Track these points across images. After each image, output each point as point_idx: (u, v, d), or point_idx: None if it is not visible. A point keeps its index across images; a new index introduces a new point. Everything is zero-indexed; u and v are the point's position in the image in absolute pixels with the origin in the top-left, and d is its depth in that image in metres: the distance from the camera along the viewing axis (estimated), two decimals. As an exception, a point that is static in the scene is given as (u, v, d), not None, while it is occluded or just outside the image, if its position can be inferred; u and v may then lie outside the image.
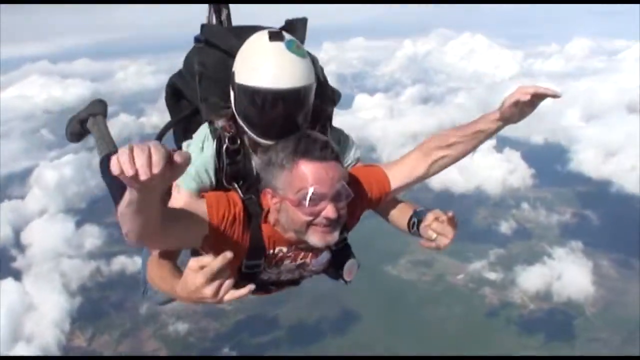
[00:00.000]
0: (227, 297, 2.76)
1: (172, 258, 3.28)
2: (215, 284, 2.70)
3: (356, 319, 52.95)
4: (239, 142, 3.52)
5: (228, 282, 2.73)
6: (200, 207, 3.19)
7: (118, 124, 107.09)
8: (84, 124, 5.46)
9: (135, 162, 2.03)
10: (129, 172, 2.03)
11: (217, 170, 3.53)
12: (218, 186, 3.53)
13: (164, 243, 3.11)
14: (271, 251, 3.38)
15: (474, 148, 3.54)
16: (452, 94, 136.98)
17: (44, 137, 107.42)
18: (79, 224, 70.73)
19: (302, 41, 3.64)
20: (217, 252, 2.74)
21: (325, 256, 3.58)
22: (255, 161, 3.53)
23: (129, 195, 2.36)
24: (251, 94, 3.29)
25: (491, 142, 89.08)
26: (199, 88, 3.70)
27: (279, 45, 3.28)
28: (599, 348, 49.75)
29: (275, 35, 3.32)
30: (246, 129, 3.43)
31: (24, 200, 77.14)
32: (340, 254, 3.60)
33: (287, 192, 3.08)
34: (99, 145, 5.30)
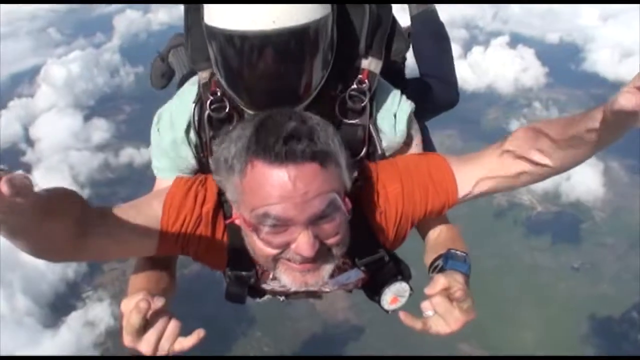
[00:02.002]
0: (174, 348, 2.02)
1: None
2: (151, 337, 1.97)
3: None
4: (227, 106, 2.45)
5: (170, 329, 2.01)
6: (153, 208, 2.35)
7: (124, 21, 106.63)
8: (165, 60, 3.88)
9: None
10: None
11: (199, 147, 2.60)
12: (204, 168, 2.62)
13: (91, 257, 2.37)
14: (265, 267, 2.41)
15: (576, 160, 2.17)
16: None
17: (50, 36, 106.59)
18: (87, 118, 71.11)
19: None
20: (185, 253, 2.44)
21: (352, 275, 2.61)
22: None
23: None
24: (218, 41, 2.22)
25: (504, 39, 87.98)
26: (187, 20, 2.58)
27: None
28: (605, 253, 50.14)
29: None
30: (226, 88, 2.40)
31: (33, 98, 77.11)
32: (379, 274, 2.54)
33: (241, 208, 2.06)
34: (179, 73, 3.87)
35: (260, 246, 2.07)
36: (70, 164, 62.74)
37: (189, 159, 2.63)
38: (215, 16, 2.18)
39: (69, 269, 49.30)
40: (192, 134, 2.57)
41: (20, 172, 1.67)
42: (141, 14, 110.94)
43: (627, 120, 1.77)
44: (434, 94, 3.56)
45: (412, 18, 3.74)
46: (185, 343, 2.02)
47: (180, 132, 2.57)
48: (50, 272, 48.36)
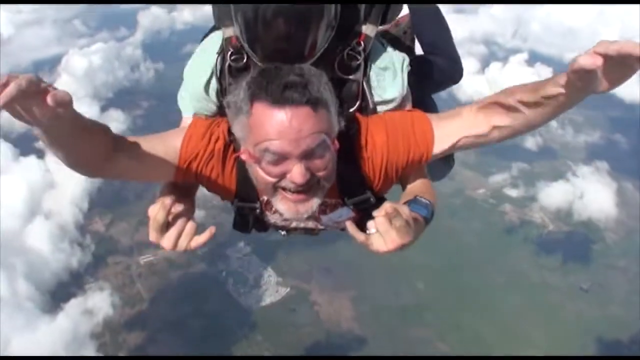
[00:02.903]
0: (191, 245, 2.40)
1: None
2: (172, 234, 2.38)
3: (370, 226, 52.86)
4: (245, 58, 2.77)
5: (188, 229, 2.40)
6: (173, 140, 2.68)
7: (149, 17, 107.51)
8: None
9: None
10: None
11: (220, 92, 2.90)
12: (223, 111, 2.80)
13: (117, 175, 2.67)
14: (266, 197, 2.74)
15: (544, 118, 2.42)
16: (487, 5, 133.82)
17: (75, 27, 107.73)
18: (104, 109, 71.61)
19: None
20: (197, 184, 2.82)
21: (343, 214, 2.91)
22: None
23: (33, 129, 2.14)
24: (241, 5, 2.58)
25: (523, 56, 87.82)
26: None
27: None
28: (615, 275, 49.99)
29: None
30: (243, 44, 2.71)
31: (52, 86, 78.15)
32: (368, 212, 2.55)
33: (247, 143, 2.40)
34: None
35: (261, 175, 2.40)
36: (84, 152, 62.99)
37: (210, 103, 2.94)
38: None
39: (74, 258, 49.53)
40: (214, 81, 2.89)
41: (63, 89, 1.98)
42: (166, 11, 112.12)
43: (585, 81, 2.03)
44: (438, 69, 3.71)
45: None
46: (199, 240, 2.40)
47: (204, 77, 2.90)
48: (54, 260, 48.56)
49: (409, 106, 3.01)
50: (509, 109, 2.45)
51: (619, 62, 1.91)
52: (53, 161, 59.94)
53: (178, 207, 2.40)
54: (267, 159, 2.32)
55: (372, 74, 2.89)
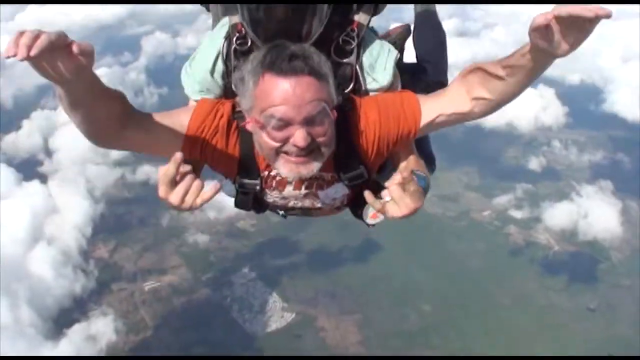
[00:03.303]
0: (196, 201, 2.61)
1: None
2: (180, 190, 2.58)
3: (378, 249, 53.00)
4: (250, 42, 3.08)
5: (194, 186, 2.60)
6: (181, 117, 2.94)
7: (153, 41, 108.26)
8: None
9: (19, 42, 1.99)
10: (10, 51, 1.99)
11: (225, 74, 3.22)
12: (228, 92, 3.22)
13: (127, 146, 2.98)
14: (267, 172, 3.05)
15: (518, 88, 2.66)
16: (489, 29, 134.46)
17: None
18: (107, 133, 71.15)
19: None
20: (202, 161, 3.04)
21: (338, 189, 3.16)
22: None
23: (56, 90, 2.36)
24: None
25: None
26: None
27: None
28: (622, 295, 49.54)
29: None
30: (247, 30, 3.04)
31: (56, 111, 78.12)
32: (362, 190, 2.93)
33: (253, 112, 2.67)
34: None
35: (266, 140, 2.64)
36: (86, 176, 63.45)
37: (214, 85, 3.24)
38: None
39: (77, 284, 49.27)
40: (220, 63, 3.19)
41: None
42: (170, 36, 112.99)
43: (544, 40, 2.26)
44: (426, 74, 4.08)
45: (416, 14, 4.55)
46: (205, 195, 2.61)
47: (210, 62, 3.22)
48: (57, 286, 48.25)
49: (399, 88, 3.31)
50: (486, 85, 2.71)
51: (573, 25, 2.18)
52: (56, 186, 60.16)
53: (187, 167, 2.58)
54: (272, 125, 2.57)
55: (365, 58, 3.19)
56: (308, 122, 2.57)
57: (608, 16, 2.10)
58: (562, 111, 79.40)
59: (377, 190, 2.94)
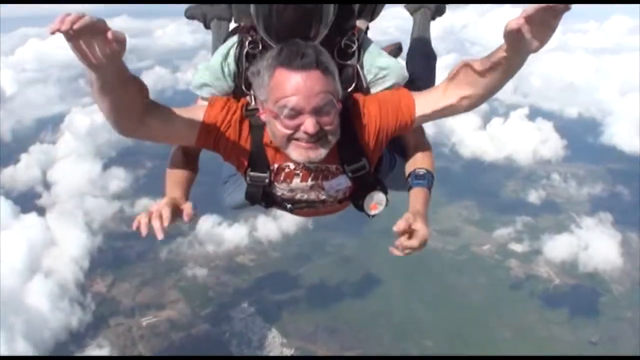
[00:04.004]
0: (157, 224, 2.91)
1: (189, 156, 3.58)
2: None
3: (377, 283, 52.80)
4: (260, 46, 3.40)
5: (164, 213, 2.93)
6: (197, 110, 3.24)
7: (152, 76, 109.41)
8: (207, 20, 5.17)
9: (64, 19, 2.24)
10: (55, 26, 2.23)
11: (237, 75, 3.50)
12: (237, 92, 3.50)
13: (148, 135, 3.15)
14: (276, 165, 3.31)
15: (498, 83, 2.97)
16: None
17: (79, 85, 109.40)
18: (106, 166, 72.35)
19: None
20: (215, 151, 3.28)
21: (342, 181, 3.42)
22: None
23: (88, 76, 2.59)
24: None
25: (523, 111, 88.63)
26: None
27: None
28: (624, 328, 49.20)
29: None
30: (262, 35, 3.30)
31: (55, 145, 78.48)
32: (363, 183, 3.43)
33: (268, 103, 2.95)
34: (214, 49, 4.66)
35: (279, 128, 2.91)
36: (85, 209, 63.41)
37: (223, 82, 3.51)
38: None
39: (73, 318, 48.86)
40: (232, 62, 3.48)
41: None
42: (169, 71, 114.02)
43: (518, 41, 2.55)
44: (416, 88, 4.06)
45: (412, 40, 4.84)
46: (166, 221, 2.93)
47: (221, 57, 3.51)
48: (54, 319, 47.79)
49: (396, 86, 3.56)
50: (472, 80, 2.99)
51: (540, 23, 2.46)
52: (54, 219, 60.10)
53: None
54: (284, 114, 2.85)
55: (365, 59, 3.48)
56: (317, 111, 2.86)
57: (567, 9, 2.39)
58: (561, 144, 79.98)
59: (374, 183, 3.47)
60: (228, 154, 3.31)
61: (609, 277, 56.01)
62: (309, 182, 3.36)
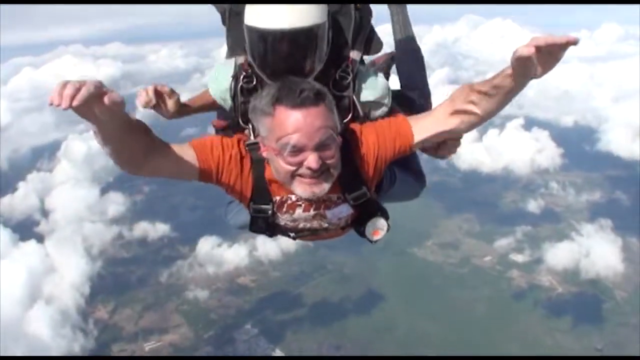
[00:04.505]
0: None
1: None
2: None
3: (380, 299, 52.71)
4: (255, 81, 3.44)
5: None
6: (198, 148, 3.21)
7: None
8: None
9: (63, 93, 2.23)
10: (55, 101, 2.24)
11: (233, 109, 3.58)
12: (235, 126, 3.58)
13: (152, 174, 3.15)
14: (278, 197, 3.34)
15: (499, 105, 3.03)
16: (480, 76, 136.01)
17: (74, 113, 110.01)
18: (103, 192, 72.39)
19: None
20: (218, 185, 3.28)
21: (343, 210, 3.45)
22: None
23: (91, 126, 2.56)
24: (253, 35, 3.22)
25: (519, 121, 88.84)
26: (228, 22, 3.71)
27: None
28: (629, 333, 49.11)
29: None
30: (256, 69, 3.36)
31: (52, 173, 78.63)
32: (364, 210, 3.47)
33: (269, 140, 2.97)
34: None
35: (282, 165, 2.94)
36: (83, 235, 63.33)
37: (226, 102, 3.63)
38: (252, 19, 3.19)
39: (75, 344, 48.66)
40: (228, 99, 3.56)
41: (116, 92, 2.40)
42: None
43: (524, 67, 2.59)
44: (411, 102, 4.35)
45: (396, 42, 4.80)
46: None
47: (220, 92, 3.63)
48: (56, 346, 47.61)
49: (389, 100, 3.71)
50: (472, 102, 3.04)
51: (548, 52, 2.50)
52: (53, 246, 60.04)
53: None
54: (287, 151, 2.87)
55: (359, 89, 3.55)
56: (319, 147, 2.89)
57: (575, 43, 2.44)
58: (558, 153, 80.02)
59: (375, 210, 3.52)
60: (231, 189, 3.33)
61: (611, 283, 56.03)
62: (312, 212, 3.39)
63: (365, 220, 3.52)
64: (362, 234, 3.58)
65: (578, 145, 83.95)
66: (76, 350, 48.21)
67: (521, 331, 49.26)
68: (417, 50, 4.83)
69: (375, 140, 3.28)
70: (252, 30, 3.20)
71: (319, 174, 2.97)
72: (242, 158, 3.24)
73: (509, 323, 49.99)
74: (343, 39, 3.55)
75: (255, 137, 3.26)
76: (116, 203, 69.41)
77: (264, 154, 3.08)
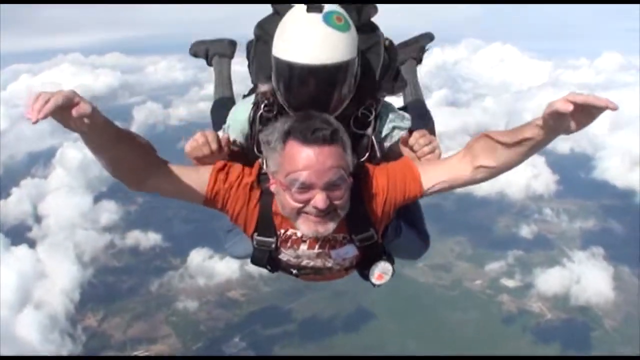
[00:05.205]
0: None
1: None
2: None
3: (370, 318, 52.62)
4: (275, 110, 3.43)
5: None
6: (206, 172, 3.20)
7: (144, 111, 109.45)
8: (209, 56, 5.28)
9: (33, 106, 2.28)
10: (27, 114, 2.27)
11: (249, 136, 3.58)
12: (250, 154, 3.56)
13: (154, 191, 3.17)
14: (282, 231, 3.28)
15: (521, 158, 2.97)
16: (479, 99, 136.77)
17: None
18: (97, 200, 72.32)
19: (371, 12, 3.57)
20: (222, 212, 3.27)
21: (349, 250, 3.39)
22: None
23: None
24: (281, 67, 3.18)
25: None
26: (253, 51, 3.74)
27: (315, 17, 3.11)
28: (615, 361, 48.88)
29: (313, 6, 3.14)
30: (281, 101, 3.35)
31: (46, 179, 78.58)
32: (370, 252, 3.41)
33: (278, 174, 2.93)
34: (215, 87, 5.16)
35: (289, 200, 2.89)
36: (75, 242, 63.22)
37: (241, 137, 3.63)
38: (281, 50, 3.15)
39: (64, 349, 48.63)
40: (246, 125, 3.58)
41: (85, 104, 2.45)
42: (161, 106, 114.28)
43: (557, 122, 2.57)
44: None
45: (406, 104, 4.85)
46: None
47: (239, 123, 3.63)
48: (44, 351, 47.40)
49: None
50: (492, 152, 2.98)
51: (584, 110, 2.46)
52: (44, 251, 59.93)
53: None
54: (295, 188, 2.82)
55: (380, 128, 3.59)
56: (328, 186, 2.82)
57: (615, 109, 2.40)
58: (553, 179, 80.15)
59: (381, 253, 3.44)
60: (236, 217, 3.28)
61: (601, 311, 56.03)
62: (316, 250, 3.32)
63: (370, 263, 3.46)
64: (365, 276, 3.53)
65: (574, 172, 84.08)
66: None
67: (509, 355, 49.21)
68: (426, 114, 4.86)
69: (386, 183, 3.23)
70: (280, 62, 3.17)
71: (326, 213, 2.90)
72: (252, 188, 3.20)
73: (498, 347, 49.88)
74: (370, 77, 3.51)
75: (266, 166, 3.18)
76: (109, 211, 69.32)
77: (272, 187, 3.04)
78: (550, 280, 59.28)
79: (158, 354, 49.34)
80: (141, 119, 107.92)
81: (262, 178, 3.18)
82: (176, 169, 3.12)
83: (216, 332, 52.33)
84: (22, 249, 58.96)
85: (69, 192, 72.92)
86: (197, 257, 60.16)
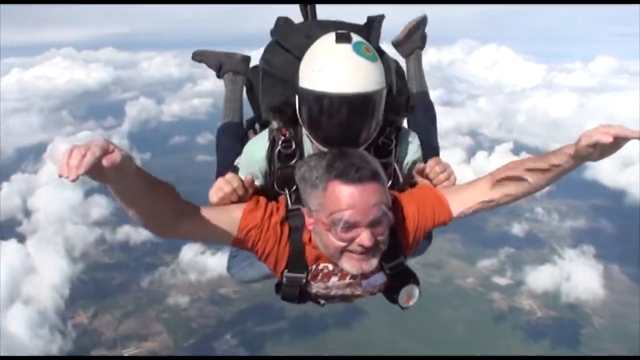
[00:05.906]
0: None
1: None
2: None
3: (362, 315, 52.53)
4: (294, 146, 3.43)
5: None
6: (234, 212, 3.15)
7: (137, 107, 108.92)
8: (221, 72, 5.08)
9: (69, 163, 2.22)
10: (63, 173, 2.21)
11: (268, 174, 3.49)
12: (269, 190, 3.46)
13: (184, 237, 3.16)
14: (314, 266, 3.20)
15: (546, 183, 3.14)
16: (473, 99, 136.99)
17: (61, 115, 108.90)
18: (87, 194, 71.78)
19: (377, 41, 3.63)
20: (250, 251, 3.20)
21: (379, 278, 3.32)
22: None
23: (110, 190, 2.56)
24: (313, 98, 3.14)
25: (508, 145, 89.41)
26: (261, 86, 3.75)
27: (346, 48, 3.11)
28: (604, 359, 49.14)
29: (342, 37, 3.15)
30: (309, 135, 3.29)
31: (36, 175, 78.28)
32: (397, 277, 3.35)
33: (319, 214, 2.88)
34: (226, 107, 4.95)
35: (332, 240, 2.85)
36: (65, 236, 63.26)
37: (259, 175, 3.51)
38: (311, 81, 3.12)
39: (53, 345, 48.58)
40: (265, 164, 3.49)
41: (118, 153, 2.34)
42: (154, 102, 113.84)
43: (591, 152, 2.69)
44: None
45: (411, 95, 4.68)
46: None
47: (256, 162, 3.52)
48: (33, 347, 47.50)
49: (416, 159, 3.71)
50: (520, 178, 3.09)
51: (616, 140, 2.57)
52: (34, 246, 59.70)
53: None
54: (340, 227, 2.78)
55: (402, 156, 3.60)
56: (372, 224, 2.80)
57: None
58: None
59: (409, 277, 3.39)
60: (265, 256, 3.23)
61: (590, 309, 56.48)
62: (347, 280, 3.27)
63: (398, 287, 3.40)
64: (394, 300, 3.47)
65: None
66: (54, 352, 47.97)
67: (500, 353, 49.50)
68: (430, 106, 4.96)
69: (416, 210, 3.26)
70: (312, 93, 3.13)
71: (369, 249, 2.87)
72: (281, 226, 3.14)
73: (488, 344, 50.13)
74: (395, 109, 3.53)
75: (293, 204, 3.24)
76: (100, 206, 68.91)
77: (311, 227, 3.00)
78: (540, 278, 59.79)
79: (149, 351, 49.22)
80: (134, 115, 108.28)
81: (290, 214, 3.16)
82: (205, 213, 3.07)
83: (207, 329, 52.24)
84: (12, 244, 59.06)
85: (59, 186, 72.55)
86: (189, 252, 60.21)
